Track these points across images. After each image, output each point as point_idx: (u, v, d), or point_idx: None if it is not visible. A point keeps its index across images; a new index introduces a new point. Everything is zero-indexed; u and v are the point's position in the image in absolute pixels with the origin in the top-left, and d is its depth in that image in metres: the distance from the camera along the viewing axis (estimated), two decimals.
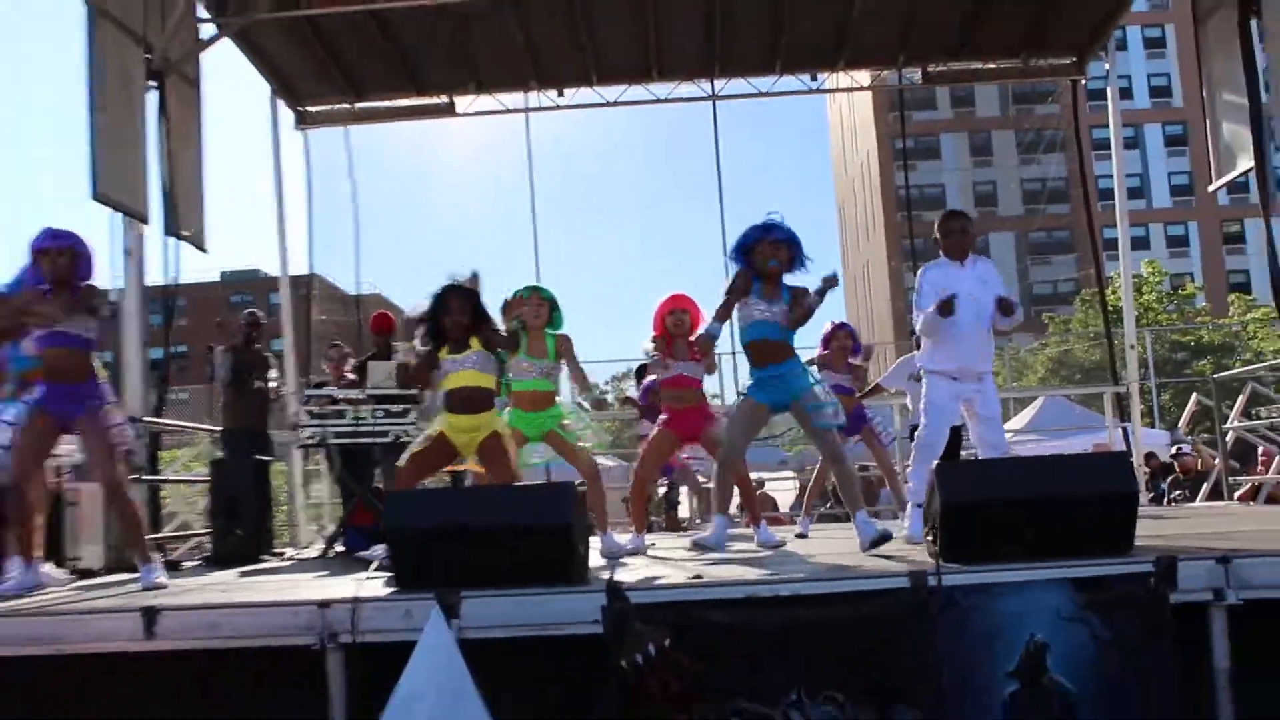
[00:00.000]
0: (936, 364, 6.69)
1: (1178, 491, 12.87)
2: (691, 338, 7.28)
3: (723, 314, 6.54)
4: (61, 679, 4.60)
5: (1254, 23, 10.38)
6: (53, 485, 7.17)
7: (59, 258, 6.06)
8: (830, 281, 6.35)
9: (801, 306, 6.33)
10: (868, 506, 7.19)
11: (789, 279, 6.42)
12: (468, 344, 6.21)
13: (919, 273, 6.82)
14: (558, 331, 7.11)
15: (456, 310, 6.18)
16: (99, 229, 8.74)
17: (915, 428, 9.20)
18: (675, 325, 7.36)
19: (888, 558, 5.60)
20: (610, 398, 28.47)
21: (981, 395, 6.60)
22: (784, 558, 6.17)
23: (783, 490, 17.92)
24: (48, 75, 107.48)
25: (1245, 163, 10.70)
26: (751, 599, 4.29)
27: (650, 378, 9.28)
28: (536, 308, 7.03)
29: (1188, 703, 4.20)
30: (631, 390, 11.38)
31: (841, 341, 8.77)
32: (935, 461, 6.06)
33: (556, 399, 7.16)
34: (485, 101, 13.91)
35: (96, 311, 6.15)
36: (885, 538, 5.96)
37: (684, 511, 13.55)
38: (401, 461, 6.30)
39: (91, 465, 6.27)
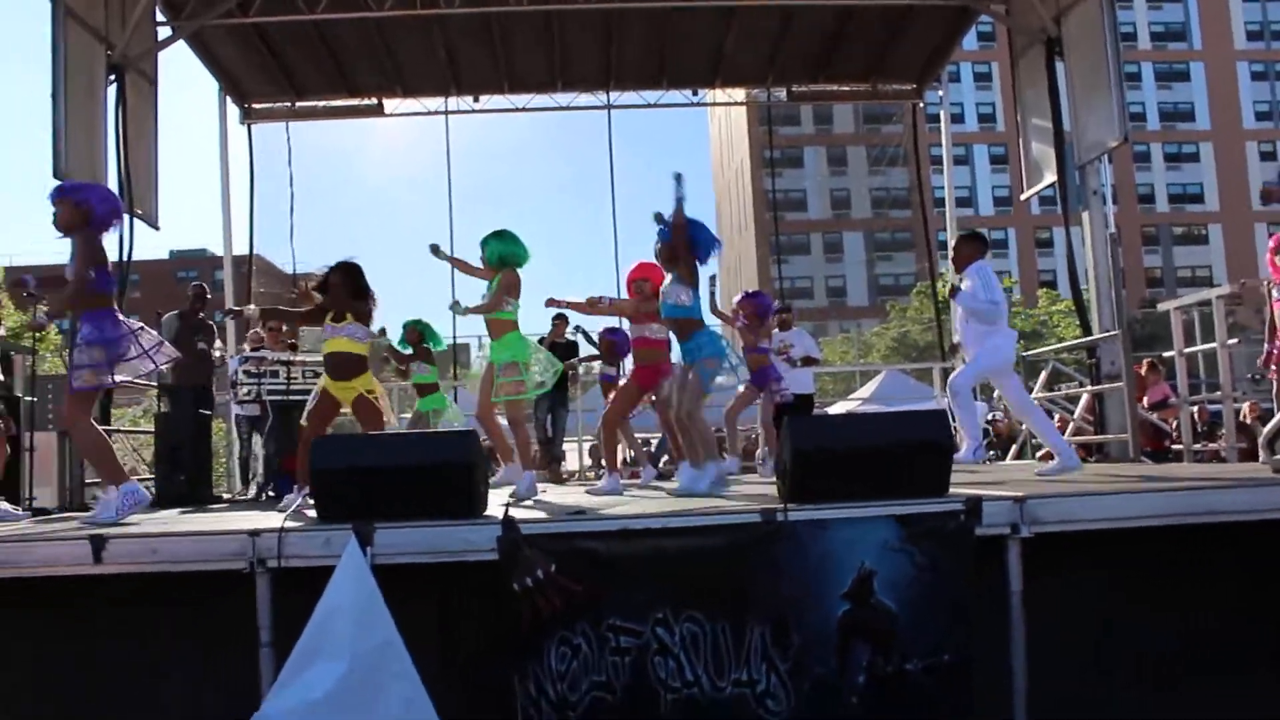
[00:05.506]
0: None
1: (991, 452, 13.21)
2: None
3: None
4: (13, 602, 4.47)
5: (1058, 61, 10.74)
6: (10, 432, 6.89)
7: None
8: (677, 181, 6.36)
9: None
10: None
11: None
12: (344, 316, 6.17)
13: (979, 266, 6.93)
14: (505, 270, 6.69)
15: (337, 285, 6.14)
16: None
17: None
18: (638, 290, 7.06)
19: (744, 496, 5.66)
20: None
21: None
22: (655, 496, 6.21)
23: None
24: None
25: (1050, 176, 11.05)
26: (624, 531, 4.30)
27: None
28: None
29: (988, 617, 4.32)
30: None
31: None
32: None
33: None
34: (410, 104, 13.91)
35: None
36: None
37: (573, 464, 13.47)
38: (303, 421, 6.22)
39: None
